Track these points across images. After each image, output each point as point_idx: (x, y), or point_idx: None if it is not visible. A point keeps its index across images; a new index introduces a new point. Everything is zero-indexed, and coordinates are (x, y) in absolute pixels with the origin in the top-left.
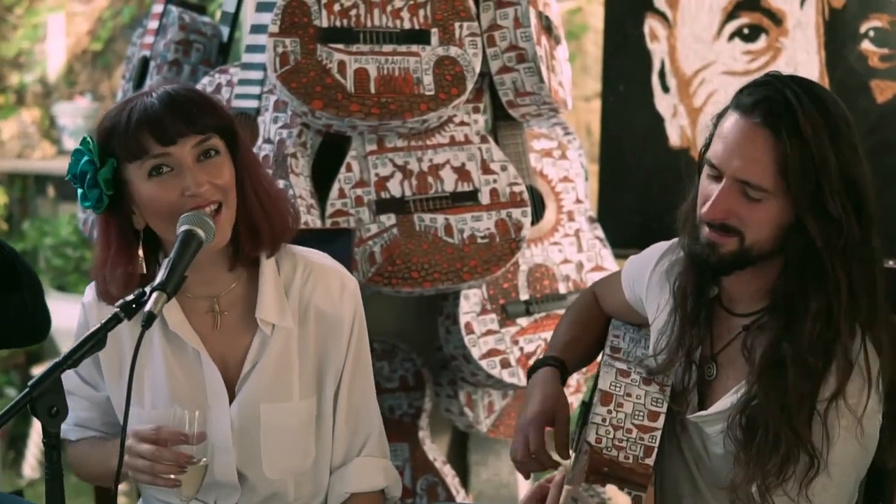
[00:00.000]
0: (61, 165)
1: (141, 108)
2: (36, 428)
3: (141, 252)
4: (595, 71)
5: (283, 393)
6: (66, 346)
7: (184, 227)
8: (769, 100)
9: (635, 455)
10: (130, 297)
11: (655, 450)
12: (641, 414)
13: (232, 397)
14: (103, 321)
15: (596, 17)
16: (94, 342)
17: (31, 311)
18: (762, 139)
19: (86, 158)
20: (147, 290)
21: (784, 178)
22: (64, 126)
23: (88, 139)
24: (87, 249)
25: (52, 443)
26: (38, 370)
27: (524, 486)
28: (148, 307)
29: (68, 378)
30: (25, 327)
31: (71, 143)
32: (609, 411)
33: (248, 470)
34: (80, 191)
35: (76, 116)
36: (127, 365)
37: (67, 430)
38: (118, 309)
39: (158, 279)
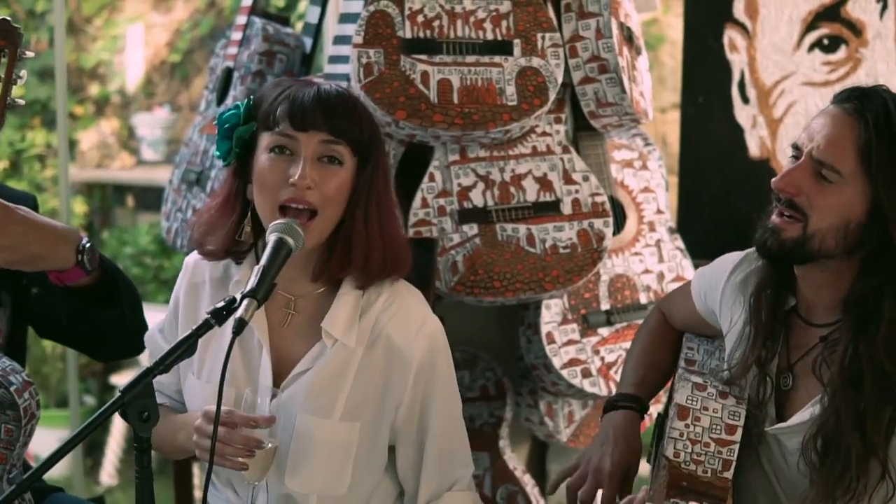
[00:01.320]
0: (140, 175)
1: (295, 90)
2: (114, 435)
3: (249, 221)
4: (671, 82)
5: (323, 408)
6: (143, 355)
7: (274, 236)
8: (865, 95)
9: (713, 469)
10: (220, 304)
11: (734, 463)
12: (719, 427)
13: (275, 396)
14: (194, 328)
15: (672, 28)
16: (184, 348)
17: (130, 325)
18: (848, 125)
19: (234, 111)
20: (237, 296)
21: (864, 168)
22: (143, 136)
23: (249, 98)
24: (166, 259)
25: (143, 447)
26: (115, 378)
27: None
28: (239, 313)
29: (152, 341)
30: (124, 341)
31: (149, 154)
32: (686, 425)
33: (273, 475)
34: (217, 137)
35: (155, 127)
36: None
37: None
38: (209, 315)
39: (249, 286)
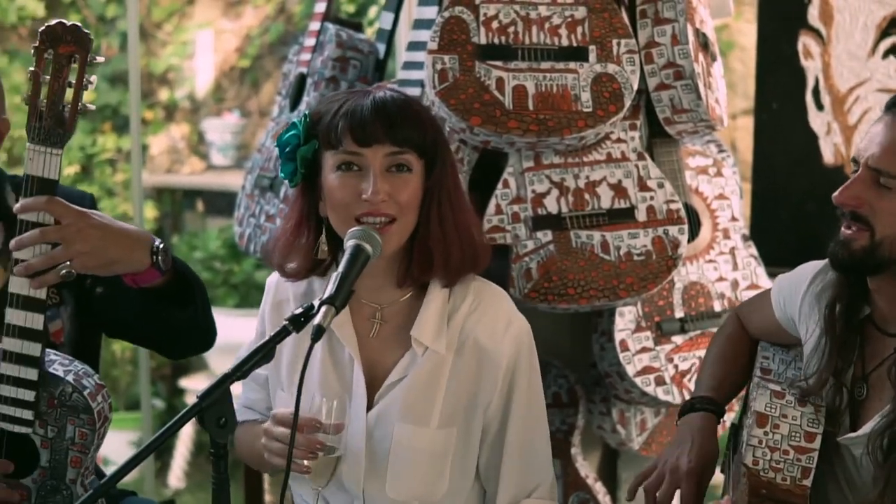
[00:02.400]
0: (209, 180)
1: (353, 103)
2: (182, 439)
3: (324, 239)
4: (741, 88)
5: (421, 417)
6: (213, 359)
7: (352, 242)
8: None
9: (792, 476)
10: (299, 311)
11: (813, 471)
12: (798, 435)
13: (371, 407)
14: (273, 332)
15: (742, 34)
16: (262, 354)
17: (202, 323)
18: None
19: (293, 132)
20: (315, 303)
21: None
22: (212, 141)
23: (305, 115)
24: (236, 263)
25: (220, 452)
26: (184, 382)
27: None
28: (317, 320)
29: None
30: (194, 339)
31: (219, 159)
32: (765, 433)
33: (372, 484)
34: (280, 160)
35: (224, 132)
36: (287, 349)
37: (239, 410)
38: (287, 322)
39: (327, 293)
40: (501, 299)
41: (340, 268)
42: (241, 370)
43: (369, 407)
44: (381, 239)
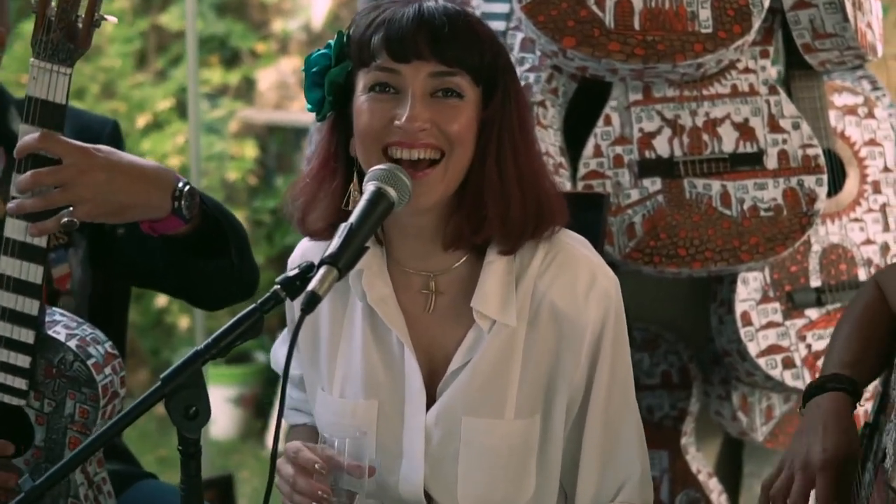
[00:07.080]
0: None
1: (391, 13)
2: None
3: (356, 185)
4: None
5: (493, 407)
6: None
7: (371, 185)
8: None
9: None
10: (294, 273)
11: None
12: None
13: (433, 401)
14: (264, 298)
15: None
16: (245, 327)
17: (238, 270)
18: None
19: (324, 51)
20: (316, 262)
21: None
22: None
23: (341, 33)
24: None
25: (190, 451)
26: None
27: None
28: (311, 286)
29: (275, 356)
30: (230, 290)
31: None
32: None
33: (440, 492)
34: (305, 86)
35: None
36: (324, 340)
37: (287, 413)
38: (277, 285)
39: (329, 249)
40: (580, 249)
41: (352, 217)
42: (217, 347)
43: (430, 403)
44: (411, 184)
